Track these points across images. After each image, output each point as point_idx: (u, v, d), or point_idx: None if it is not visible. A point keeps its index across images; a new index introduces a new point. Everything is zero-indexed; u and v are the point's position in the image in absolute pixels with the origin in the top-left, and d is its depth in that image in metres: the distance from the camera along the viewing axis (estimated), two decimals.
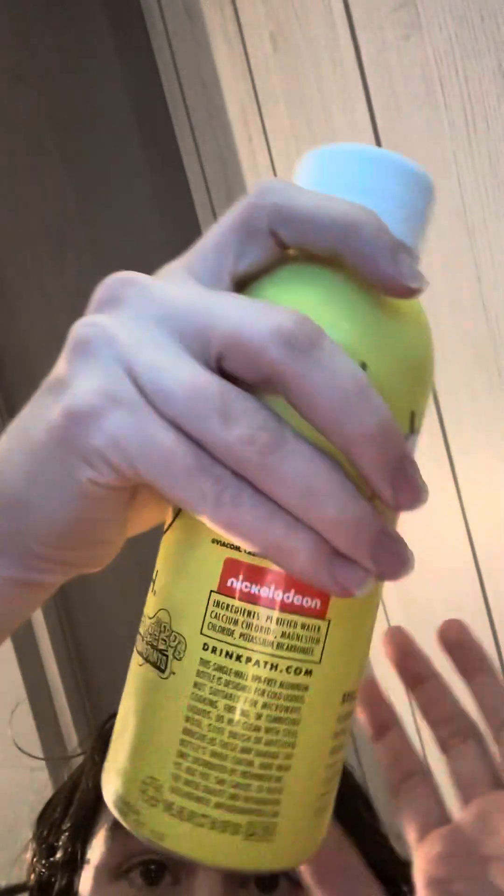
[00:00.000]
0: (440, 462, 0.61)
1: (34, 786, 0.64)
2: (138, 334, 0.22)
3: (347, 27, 0.60)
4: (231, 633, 0.24)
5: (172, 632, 0.25)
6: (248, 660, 0.24)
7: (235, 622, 0.24)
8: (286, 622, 0.24)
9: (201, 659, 0.24)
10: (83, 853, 0.50)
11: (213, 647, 0.24)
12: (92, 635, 1.04)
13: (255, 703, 0.24)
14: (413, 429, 0.25)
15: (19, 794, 0.61)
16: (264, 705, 0.24)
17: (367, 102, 0.59)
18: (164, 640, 0.25)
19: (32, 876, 0.54)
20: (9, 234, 1.03)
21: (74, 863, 0.51)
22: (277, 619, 0.24)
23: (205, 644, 0.24)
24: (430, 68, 0.52)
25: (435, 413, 0.60)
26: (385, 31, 0.55)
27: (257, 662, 0.24)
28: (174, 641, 0.25)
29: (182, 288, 0.23)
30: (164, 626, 0.25)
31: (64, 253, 1.03)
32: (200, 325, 0.22)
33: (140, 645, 0.26)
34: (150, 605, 0.26)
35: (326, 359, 0.21)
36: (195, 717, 0.24)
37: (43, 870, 0.53)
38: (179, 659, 0.24)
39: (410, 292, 0.23)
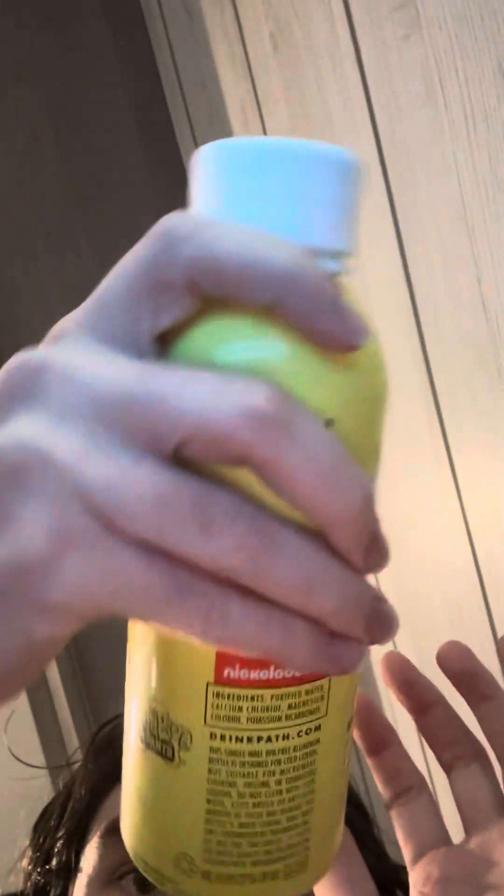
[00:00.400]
0: (440, 462, 0.60)
1: (32, 793, 0.64)
2: (75, 443, 0.18)
3: (347, 27, 0.60)
4: (237, 719, 0.23)
5: (172, 723, 0.24)
6: (259, 739, 0.23)
7: (240, 709, 0.23)
8: (291, 695, 0.23)
9: (210, 747, 0.23)
10: (77, 861, 0.50)
11: (221, 734, 0.23)
12: (93, 638, 1.04)
13: (273, 773, 0.24)
14: (378, 461, 0.24)
15: (16, 800, 0.60)
16: (282, 772, 0.24)
17: (367, 102, 0.59)
18: (166, 731, 0.24)
19: (29, 884, 0.54)
20: (9, 234, 1.03)
21: (69, 871, 0.50)
22: (282, 695, 0.23)
23: (212, 734, 0.23)
24: (430, 68, 0.52)
25: (435, 413, 0.59)
26: (385, 31, 0.55)
27: (269, 738, 0.23)
28: (177, 732, 0.24)
29: (108, 366, 0.19)
30: (162, 717, 0.24)
31: (64, 253, 1.03)
32: (149, 415, 0.18)
33: (138, 729, 0.25)
34: (138, 690, 0.25)
35: (303, 435, 0.18)
36: (216, 798, 0.24)
37: (39, 878, 0.53)
38: (187, 749, 0.24)
39: (354, 349, 0.20)
